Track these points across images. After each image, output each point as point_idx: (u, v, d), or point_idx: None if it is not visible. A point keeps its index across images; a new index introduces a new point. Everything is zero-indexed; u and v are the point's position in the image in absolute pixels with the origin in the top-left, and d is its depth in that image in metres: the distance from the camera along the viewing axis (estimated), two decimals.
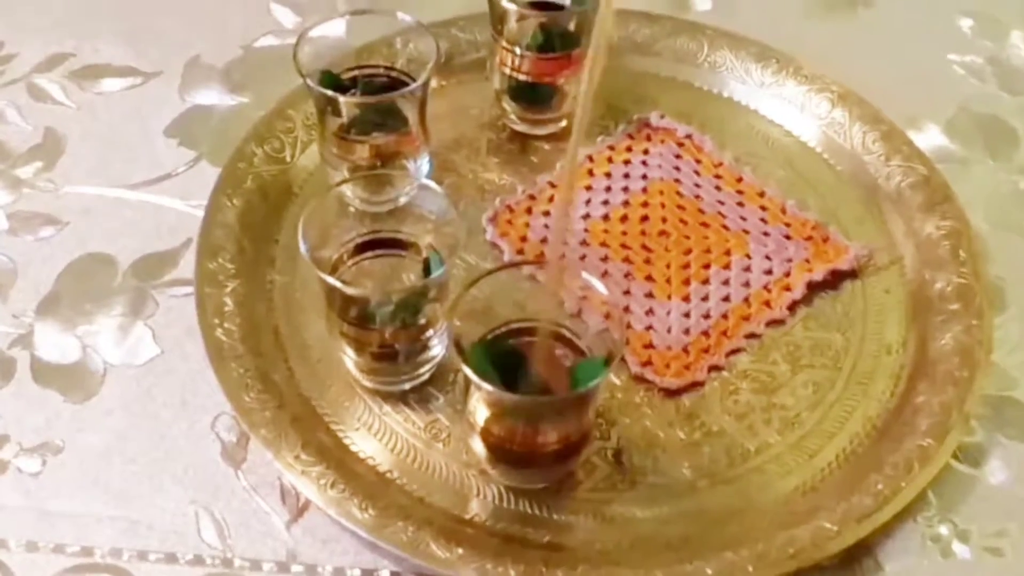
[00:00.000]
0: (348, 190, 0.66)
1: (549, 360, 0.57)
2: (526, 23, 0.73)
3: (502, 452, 0.58)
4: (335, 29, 0.72)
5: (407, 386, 0.64)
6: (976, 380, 0.63)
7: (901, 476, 0.59)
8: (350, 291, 0.59)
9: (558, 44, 0.73)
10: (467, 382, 0.56)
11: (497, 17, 0.74)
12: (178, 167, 0.76)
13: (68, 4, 0.90)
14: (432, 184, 0.61)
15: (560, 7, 0.74)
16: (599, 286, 0.55)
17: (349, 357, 0.63)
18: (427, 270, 0.61)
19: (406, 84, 0.70)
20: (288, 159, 0.75)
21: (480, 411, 0.57)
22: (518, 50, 0.74)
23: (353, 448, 0.62)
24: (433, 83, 0.79)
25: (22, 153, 0.77)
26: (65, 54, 0.85)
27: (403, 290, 0.62)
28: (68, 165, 0.77)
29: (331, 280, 0.57)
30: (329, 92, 0.66)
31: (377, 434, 0.62)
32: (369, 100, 0.69)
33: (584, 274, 0.56)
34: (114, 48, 0.85)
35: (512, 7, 0.72)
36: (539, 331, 0.57)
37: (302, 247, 0.58)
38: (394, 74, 0.71)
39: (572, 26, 0.73)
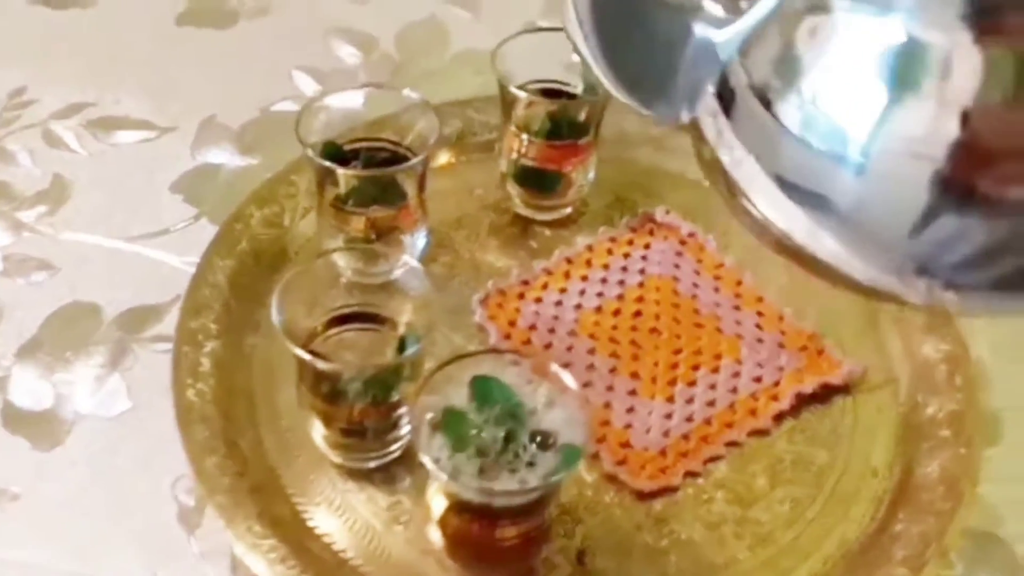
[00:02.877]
0: (341, 260, 0.65)
1: None
2: (535, 110, 0.73)
3: (459, 544, 0.57)
4: (351, 100, 0.72)
5: (374, 464, 0.63)
6: (959, 512, 0.60)
7: None
8: (321, 365, 0.58)
9: (566, 132, 0.73)
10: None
11: (507, 103, 0.74)
12: (178, 223, 0.77)
13: (96, 54, 0.91)
14: (412, 261, 0.60)
15: (571, 96, 0.74)
16: (569, 380, 0.54)
17: (317, 431, 0.62)
18: (402, 347, 0.60)
19: (407, 158, 0.70)
20: (286, 223, 0.74)
21: (437, 500, 0.56)
22: (525, 136, 0.74)
23: (311, 523, 0.60)
24: (443, 159, 0.79)
25: (28, 196, 0.78)
26: (85, 103, 0.86)
27: (375, 367, 0.61)
28: (71, 212, 0.77)
29: (301, 353, 0.56)
30: (326, 163, 0.66)
31: (338, 511, 0.61)
32: (367, 173, 0.68)
33: (556, 368, 0.55)
34: (135, 101, 0.86)
35: (521, 94, 0.72)
36: None
37: (275, 316, 0.57)
38: (398, 149, 0.71)
39: (582, 116, 0.73)
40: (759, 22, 0.44)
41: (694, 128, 0.47)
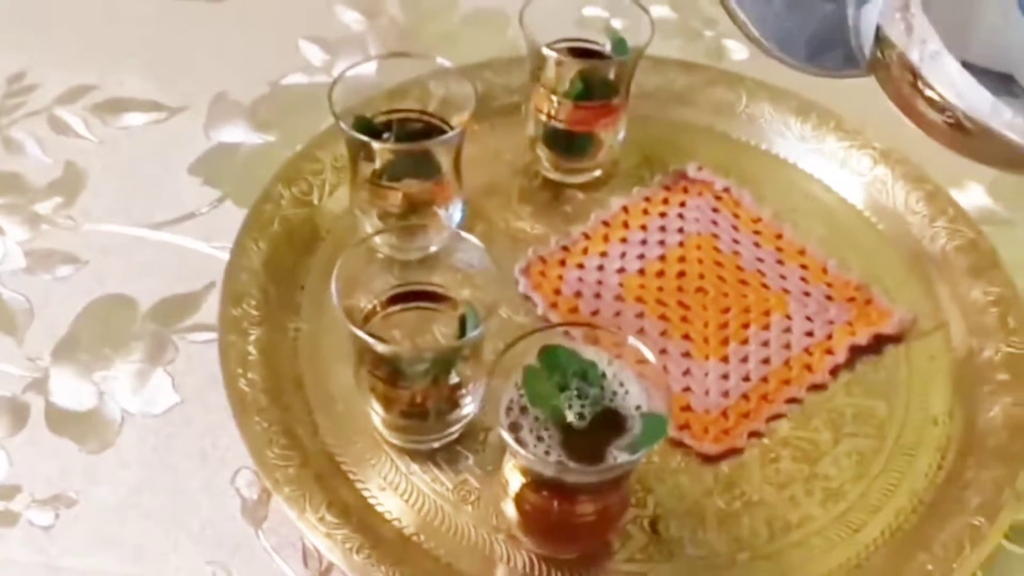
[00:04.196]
0: (378, 237, 0.64)
1: None
2: (564, 70, 0.71)
3: (536, 521, 0.56)
4: (366, 69, 0.70)
5: (436, 445, 0.61)
6: None
7: (952, 556, 0.56)
8: (382, 348, 0.56)
9: (598, 92, 0.71)
10: (502, 445, 0.54)
11: (535, 63, 0.72)
12: (201, 207, 0.74)
13: (93, 34, 0.88)
14: (471, 237, 0.59)
15: (601, 55, 0.73)
16: (651, 357, 0.53)
17: (376, 413, 0.60)
18: (462, 326, 0.59)
19: (440, 129, 0.68)
20: (315, 202, 0.72)
21: (515, 478, 0.54)
22: (555, 97, 0.72)
23: (379, 508, 0.59)
24: None
25: (42, 188, 0.75)
26: (88, 86, 0.83)
27: (437, 348, 0.60)
28: (89, 201, 0.75)
29: (366, 337, 0.55)
30: (364, 137, 0.64)
31: (403, 494, 0.60)
32: (403, 147, 0.66)
33: (634, 341, 0.53)
34: (138, 81, 0.84)
35: (551, 54, 0.70)
36: None
37: (335, 299, 0.56)
38: (430, 119, 0.69)
39: (612, 75, 0.71)
40: None
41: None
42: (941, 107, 0.50)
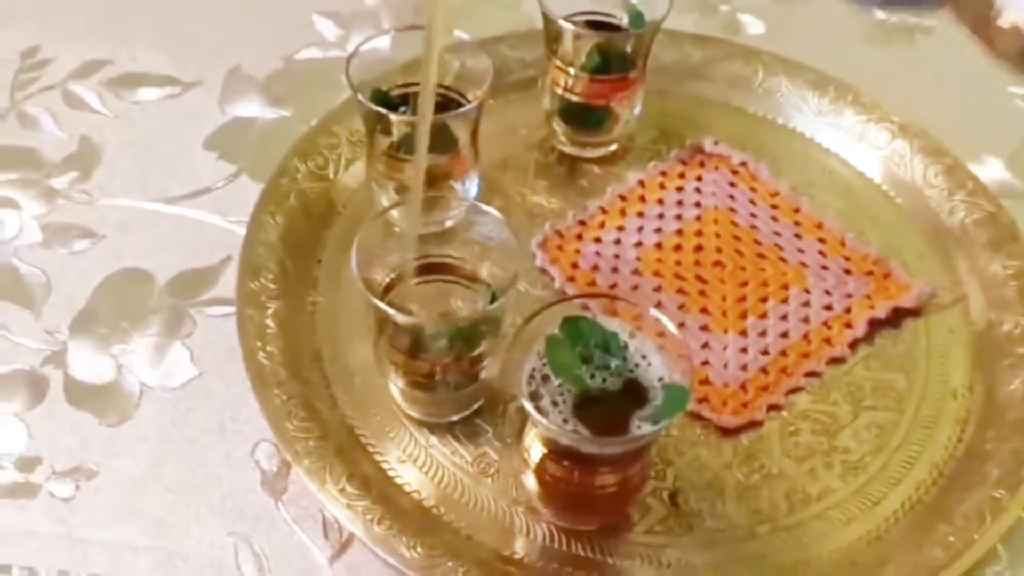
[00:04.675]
0: (394, 211, 0.63)
1: None
2: (581, 43, 0.71)
3: (556, 492, 0.56)
4: (380, 42, 0.70)
5: (455, 417, 0.61)
6: None
7: (973, 528, 0.56)
8: (403, 320, 0.56)
9: (615, 66, 0.71)
10: (523, 416, 0.54)
11: (552, 36, 0.71)
12: (217, 181, 0.74)
13: (105, 9, 0.87)
14: (491, 210, 0.58)
15: (617, 28, 0.72)
16: (672, 328, 0.53)
17: (396, 386, 0.60)
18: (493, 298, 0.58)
19: (457, 102, 0.67)
20: (331, 176, 0.72)
21: (536, 448, 0.54)
22: (572, 70, 0.71)
23: (399, 480, 0.59)
24: None
25: (57, 163, 0.75)
26: (102, 61, 0.82)
27: (458, 320, 0.60)
28: (104, 176, 0.74)
29: (387, 309, 0.55)
30: (381, 110, 0.64)
31: (423, 467, 0.60)
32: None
33: (656, 314, 0.53)
34: (152, 56, 0.83)
35: (568, 27, 0.70)
36: None
37: (355, 271, 0.55)
38: (445, 92, 0.69)
39: (629, 48, 0.71)
40: None
41: None
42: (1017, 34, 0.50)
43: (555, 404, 0.52)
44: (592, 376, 0.52)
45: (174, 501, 0.59)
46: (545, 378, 0.53)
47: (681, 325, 0.66)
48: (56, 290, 0.68)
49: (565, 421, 0.51)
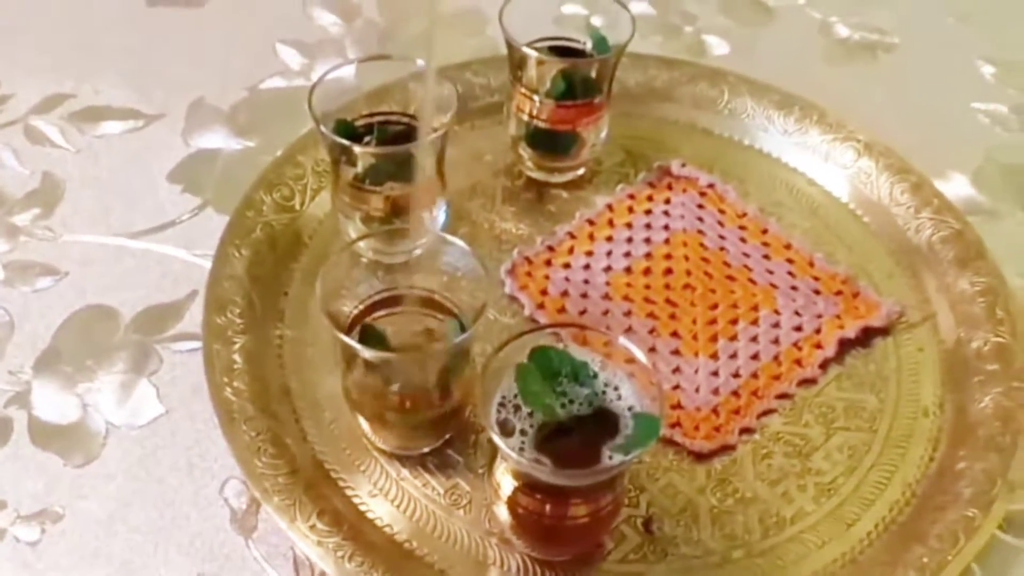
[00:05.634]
0: (362, 242, 0.63)
1: None
2: (545, 69, 0.71)
3: (528, 524, 0.55)
4: (345, 72, 0.69)
5: (426, 449, 0.61)
6: (1020, 446, 0.60)
7: (947, 548, 0.56)
8: (369, 354, 0.56)
9: (580, 91, 0.71)
10: (493, 448, 0.53)
11: (516, 63, 0.71)
12: (182, 215, 0.73)
13: (67, 43, 0.87)
14: (457, 240, 0.58)
15: (582, 53, 0.72)
16: (642, 357, 0.52)
17: (365, 419, 0.60)
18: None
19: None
20: (298, 207, 0.72)
21: (507, 481, 0.54)
22: (537, 97, 0.71)
23: (370, 515, 0.58)
24: None
25: (19, 199, 0.74)
26: (64, 95, 0.82)
27: (425, 352, 0.59)
28: (67, 212, 0.74)
29: (352, 343, 0.54)
30: (345, 142, 0.64)
31: (394, 500, 0.59)
32: (386, 150, 0.66)
33: (625, 342, 0.53)
34: (115, 89, 0.83)
35: (532, 53, 0.70)
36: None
37: (321, 306, 0.55)
38: (411, 121, 0.68)
39: (593, 73, 0.71)
40: None
41: None
42: None
43: (524, 434, 0.52)
44: (563, 406, 0.52)
45: (142, 542, 0.58)
46: (515, 408, 0.52)
47: (652, 350, 0.66)
48: (19, 329, 0.67)
49: (534, 454, 0.51)
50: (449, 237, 0.59)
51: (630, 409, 0.53)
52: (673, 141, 0.79)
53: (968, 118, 0.84)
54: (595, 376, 0.54)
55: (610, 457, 0.51)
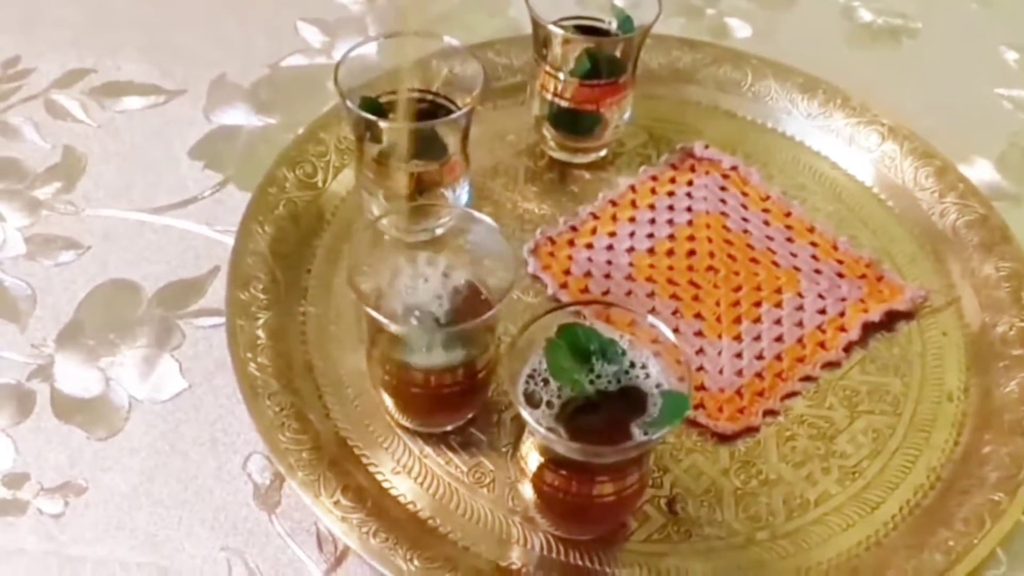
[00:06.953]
0: (384, 219, 0.63)
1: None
2: (570, 48, 0.70)
3: (554, 501, 0.55)
4: (367, 49, 0.69)
5: (449, 427, 0.61)
6: None
7: (973, 532, 0.56)
8: (396, 328, 0.56)
9: (604, 70, 0.70)
10: (520, 425, 0.53)
11: (540, 41, 0.71)
12: (204, 191, 0.73)
13: (88, 18, 0.86)
14: (485, 218, 0.58)
15: (606, 32, 0.72)
16: (670, 335, 0.52)
17: (388, 396, 0.60)
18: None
19: (446, 109, 0.67)
20: (320, 184, 0.71)
21: (533, 457, 0.54)
22: (562, 76, 0.71)
23: (393, 492, 0.58)
24: None
25: (40, 173, 0.74)
26: (85, 70, 0.81)
27: (454, 328, 0.59)
28: (89, 187, 0.73)
29: (380, 317, 0.54)
30: (371, 117, 0.63)
31: (418, 477, 0.59)
32: (412, 126, 0.65)
33: (654, 320, 0.53)
34: (135, 64, 0.82)
35: (558, 31, 0.69)
36: None
37: (350, 282, 0.55)
38: (435, 98, 0.68)
39: (618, 52, 0.71)
40: None
41: None
42: None
43: (551, 406, 0.52)
44: (591, 382, 0.52)
45: (165, 516, 0.58)
46: (544, 382, 0.52)
47: (675, 331, 0.65)
48: (41, 303, 0.66)
49: (562, 429, 0.51)
50: (477, 214, 0.59)
51: (658, 387, 0.52)
52: (696, 123, 0.79)
53: (991, 104, 0.84)
54: (623, 353, 0.53)
55: (645, 433, 0.50)
